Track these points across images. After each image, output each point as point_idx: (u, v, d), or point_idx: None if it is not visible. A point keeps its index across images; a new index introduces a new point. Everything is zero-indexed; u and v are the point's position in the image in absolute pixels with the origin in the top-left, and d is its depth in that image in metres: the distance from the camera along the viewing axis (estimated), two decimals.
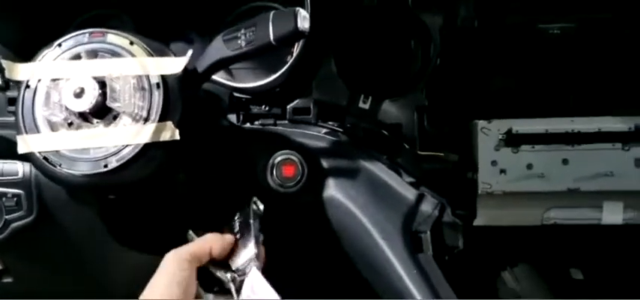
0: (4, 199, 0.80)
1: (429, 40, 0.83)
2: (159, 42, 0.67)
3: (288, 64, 0.80)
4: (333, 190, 0.79)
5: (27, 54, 0.76)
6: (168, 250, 0.63)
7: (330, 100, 0.83)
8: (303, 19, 0.60)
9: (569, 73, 0.83)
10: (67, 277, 0.91)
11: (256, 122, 0.85)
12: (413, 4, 0.83)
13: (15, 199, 0.80)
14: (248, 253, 0.67)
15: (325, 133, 0.82)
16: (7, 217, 0.81)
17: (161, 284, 0.60)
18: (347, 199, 0.78)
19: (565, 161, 0.75)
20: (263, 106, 0.85)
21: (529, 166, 0.75)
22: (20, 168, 0.79)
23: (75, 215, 0.81)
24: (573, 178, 0.75)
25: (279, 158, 0.77)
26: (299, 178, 0.76)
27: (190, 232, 0.70)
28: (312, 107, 0.83)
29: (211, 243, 0.66)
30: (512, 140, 0.75)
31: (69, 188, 0.66)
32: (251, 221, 0.69)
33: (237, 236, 0.69)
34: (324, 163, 0.79)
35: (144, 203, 0.76)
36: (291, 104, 0.84)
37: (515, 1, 0.80)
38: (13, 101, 0.86)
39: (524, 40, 0.81)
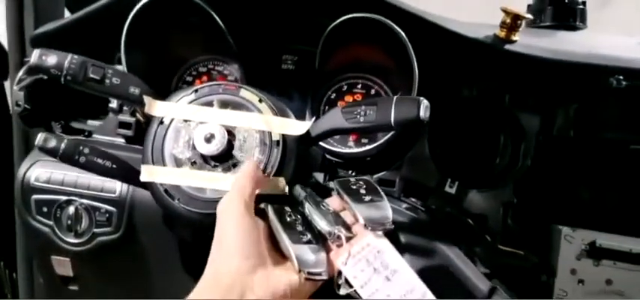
0: (97, 213, 0.86)
1: (521, 139, 0.86)
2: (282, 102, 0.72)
3: (385, 138, 0.84)
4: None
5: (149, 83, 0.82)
6: None
7: (418, 179, 0.86)
8: (426, 109, 0.63)
9: None
10: (130, 296, 0.93)
11: None
12: (510, 103, 0.86)
13: (107, 215, 0.86)
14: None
15: (406, 209, 0.84)
16: (95, 230, 0.87)
17: (231, 240, 0.57)
18: (420, 277, 0.79)
19: None
20: (350, 171, 0.88)
21: (608, 282, 0.76)
22: (118, 187, 0.86)
23: (156, 241, 0.86)
24: None
25: None
26: None
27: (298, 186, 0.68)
28: (397, 181, 0.87)
29: (247, 173, 0.62)
30: (595, 253, 0.77)
31: (180, 222, 0.70)
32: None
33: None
34: (402, 238, 0.80)
35: None
36: (378, 175, 0.87)
37: (612, 119, 0.82)
38: (124, 124, 0.93)
39: (615, 158, 0.83)
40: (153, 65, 0.93)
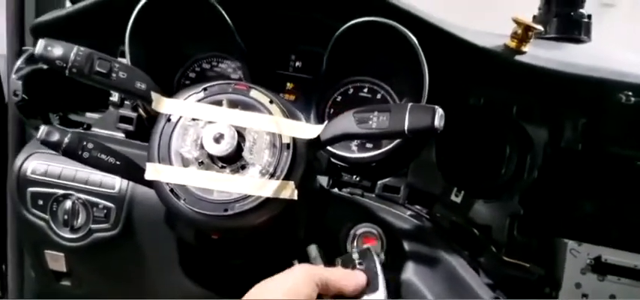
0: (95, 209, 0.84)
1: (528, 150, 0.85)
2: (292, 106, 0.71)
3: (392, 145, 0.83)
4: (410, 273, 0.80)
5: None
6: (232, 293, 0.64)
7: (423, 187, 0.86)
8: (441, 118, 0.62)
9: None
10: (124, 295, 0.92)
11: (345, 190, 0.87)
12: (517, 114, 0.86)
13: (105, 211, 0.84)
14: None
15: (410, 216, 0.83)
16: (92, 226, 0.85)
17: (284, 288, 0.59)
18: (423, 285, 0.79)
19: None
20: (354, 176, 0.88)
21: (612, 297, 0.76)
22: (118, 183, 0.84)
23: (154, 239, 0.85)
24: None
25: (361, 230, 0.80)
26: (378, 253, 0.78)
27: (314, 246, 0.70)
28: (402, 188, 0.86)
29: (346, 281, 0.64)
30: (600, 268, 0.77)
31: (185, 222, 0.68)
32: (379, 273, 0.67)
33: None
34: (406, 245, 0.81)
35: (237, 247, 0.78)
36: (383, 181, 0.87)
37: (620, 135, 0.83)
38: (125, 119, 0.91)
39: (621, 173, 0.84)
40: (157, 60, 0.92)
